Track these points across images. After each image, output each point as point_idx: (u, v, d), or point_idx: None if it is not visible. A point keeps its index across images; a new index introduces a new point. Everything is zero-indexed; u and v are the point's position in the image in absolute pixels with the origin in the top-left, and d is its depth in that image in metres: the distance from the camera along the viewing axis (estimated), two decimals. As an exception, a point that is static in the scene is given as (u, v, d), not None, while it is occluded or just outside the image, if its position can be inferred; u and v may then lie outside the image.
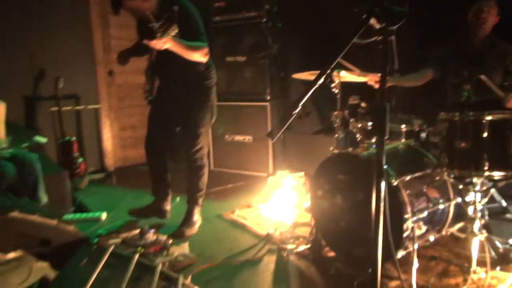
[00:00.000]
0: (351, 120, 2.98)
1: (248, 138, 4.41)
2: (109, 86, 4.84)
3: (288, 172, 3.73)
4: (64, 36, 4.36)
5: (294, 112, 1.11)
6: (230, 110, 4.45)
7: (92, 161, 4.70)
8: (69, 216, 3.08)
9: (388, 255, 2.05)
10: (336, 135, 2.84)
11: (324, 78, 1.06)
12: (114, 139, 4.94)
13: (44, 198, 2.88)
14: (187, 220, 2.91)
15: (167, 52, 2.48)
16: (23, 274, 1.84)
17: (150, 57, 2.81)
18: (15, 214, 2.07)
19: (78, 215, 3.16)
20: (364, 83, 2.97)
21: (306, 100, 3.74)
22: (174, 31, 2.32)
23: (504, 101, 2.41)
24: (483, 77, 2.31)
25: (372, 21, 1.04)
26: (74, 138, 4.12)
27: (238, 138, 4.46)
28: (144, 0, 2.55)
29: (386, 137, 1.06)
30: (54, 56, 4.28)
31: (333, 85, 2.84)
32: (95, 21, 4.64)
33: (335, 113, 2.82)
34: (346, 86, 3.01)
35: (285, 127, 1.12)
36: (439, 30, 3.39)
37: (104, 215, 3.19)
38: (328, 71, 1.06)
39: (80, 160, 4.10)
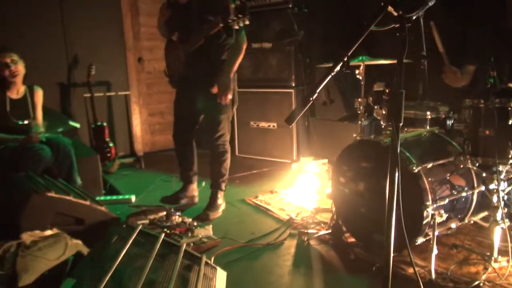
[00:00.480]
0: (376, 107, 2.96)
1: (273, 125, 4.45)
2: (139, 73, 4.98)
3: (312, 159, 3.75)
4: (96, 24, 4.52)
5: (311, 98, 1.14)
6: (255, 97, 4.49)
7: (122, 145, 4.89)
8: (100, 198, 3.24)
9: (406, 242, 2.08)
10: (360, 122, 2.84)
11: (341, 66, 1.09)
12: (143, 125, 5.11)
13: (78, 180, 3.05)
14: (211, 204, 3.00)
15: (202, 47, 2.74)
16: (59, 249, 1.98)
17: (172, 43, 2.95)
18: (51, 194, 2.22)
19: (109, 197, 3.32)
20: (390, 69, 2.93)
21: (331, 86, 3.75)
22: (244, 22, 2.49)
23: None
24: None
25: (390, 8, 1.06)
26: (105, 123, 4.29)
27: (263, 124, 4.51)
28: None
29: (400, 123, 1.08)
30: (86, 43, 4.46)
31: (357, 71, 2.83)
32: (125, 9, 4.76)
33: (359, 100, 2.81)
34: (371, 73, 2.99)
35: (302, 112, 1.16)
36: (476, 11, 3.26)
37: (133, 198, 3.33)
38: (345, 59, 1.09)
39: (111, 144, 4.27)
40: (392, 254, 1.19)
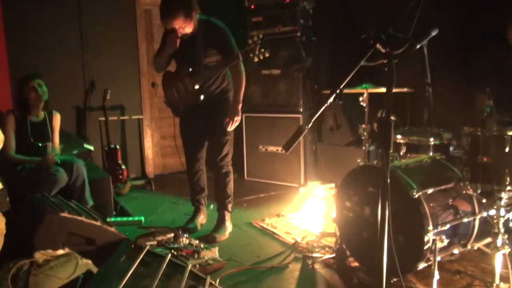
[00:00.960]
0: (380, 133, 3.03)
1: (281, 149, 4.52)
2: (152, 97, 5.16)
3: (319, 183, 3.80)
4: (113, 51, 4.75)
5: (307, 127, 1.23)
6: (264, 122, 4.60)
7: (134, 168, 5.01)
8: (111, 219, 3.33)
9: (409, 267, 2.10)
10: (364, 148, 2.90)
11: (334, 98, 1.17)
12: (155, 148, 5.24)
13: (90, 201, 3.15)
14: (219, 226, 3.06)
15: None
16: (70, 268, 2.05)
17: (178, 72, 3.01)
18: (65, 214, 2.32)
19: (119, 219, 3.41)
20: (394, 96, 3.01)
21: (338, 112, 3.82)
22: (265, 55, 2.70)
23: None
24: None
25: (378, 46, 1.15)
26: (118, 146, 4.43)
27: (271, 149, 4.59)
28: (186, 19, 2.76)
29: (390, 151, 1.15)
30: (103, 69, 4.67)
31: (361, 98, 2.91)
32: (141, 37, 4.98)
33: (363, 126, 2.88)
34: (376, 99, 3.07)
35: (298, 140, 1.24)
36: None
37: (143, 219, 3.42)
38: (337, 91, 1.18)
39: (123, 167, 4.40)
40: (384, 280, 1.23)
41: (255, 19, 4.60)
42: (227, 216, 3.11)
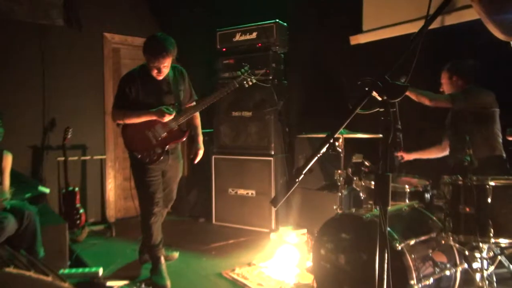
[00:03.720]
0: (355, 178, 2.99)
1: (251, 192, 4.39)
2: (117, 137, 4.93)
3: (291, 228, 3.67)
4: (77, 89, 4.54)
5: (298, 180, 1.12)
6: (234, 164, 4.47)
7: (93, 211, 4.67)
8: (65, 271, 3.00)
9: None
10: (339, 194, 2.82)
11: (327, 148, 1.08)
12: (117, 190, 4.94)
13: (41, 252, 2.83)
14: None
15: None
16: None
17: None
18: (10, 269, 2.02)
19: (74, 270, 3.07)
20: (368, 142, 3.01)
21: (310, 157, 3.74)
22: (253, 81, 3.05)
23: None
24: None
25: (374, 93, 1.08)
26: (77, 189, 4.12)
27: (242, 192, 4.44)
28: (170, 62, 2.80)
29: (388, 207, 1.06)
30: (66, 108, 4.43)
31: (336, 144, 2.88)
32: (107, 75, 4.82)
33: (339, 171, 2.83)
34: (350, 144, 3.05)
35: (288, 194, 1.12)
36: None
37: (101, 271, 3.10)
38: (331, 141, 1.09)
39: (82, 210, 4.07)
40: None
41: (227, 61, 4.59)
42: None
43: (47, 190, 3.67)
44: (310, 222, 3.68)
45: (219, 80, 4.59)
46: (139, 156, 2.90)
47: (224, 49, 4.62)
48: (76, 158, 4.46)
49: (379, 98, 1.06)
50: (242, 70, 3.05)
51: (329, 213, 2.56)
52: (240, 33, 4.51)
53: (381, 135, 3.18)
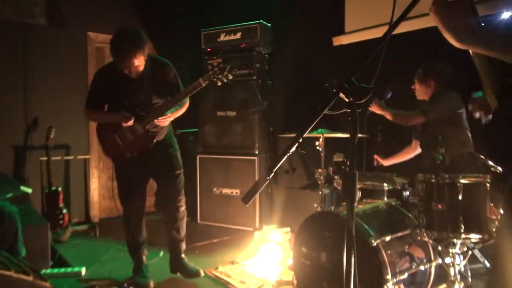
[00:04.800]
0: (336, 177, 3.04)
1: (235, 192, 4.42)
2: (100, 136, 4.91)
3: (274, 227, 3.71)
4: (60, 87, 4.50)
5: (268, 178, 1.16)
6: (219, 163, 4.50)
7: (77, 211, 4.65)
8: (46, 271, 3.00)
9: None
10: (320, 192, 2.88)
11: (296, 147, 1.12)
12: (101, 190, 4.93)
13: (22, 252, 2.81)
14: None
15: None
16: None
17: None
18: (-11, 269, 2.02)
19: (56, 270, 3.07)
20: (348, 141, 3.06)
21: (293, 155, 3.83)
22: (228, 77, 2.72)
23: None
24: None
25: (341, 95, 1.13)
26: (60, 188, 4.10)
27: (226, 191, 4.47)
28: (145, 54, 2.60)
29: (355, 204, 1.11)
30: (49, 107, 4.40)
31: (317, 143, 2.93)
32: (91, 74, 4.78)
33: (319, 170, 2.88)
34: (331, 144, 3.11)
35: (258, 192, 1.16)
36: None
37: (83, 270, 3.10)
38: (300, 140, 1.13)
39: (65, 211, 4.05)
40: None
41: (211, 62, 4.60)
42: None
43: (29, 190, 3.65)
44: (293, 220, 3.73)
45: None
46: (111, 158, 2.84)
47: (208, 49, 4.64)
48: (59, 158, 4.44)
49: (346, 100, 1.11)
50: (214, 64, 2.75)
51: (312, 212, 2.60)
52: (224, 34, 4.53)
53: (361, 135, 3.26)
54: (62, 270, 3.09)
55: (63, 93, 4.52)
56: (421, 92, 3.06)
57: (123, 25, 4.97)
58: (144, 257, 2.98)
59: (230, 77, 2.76)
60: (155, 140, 2.73)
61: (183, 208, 2.94)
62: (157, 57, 2.83)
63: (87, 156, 4.73)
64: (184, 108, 2.85)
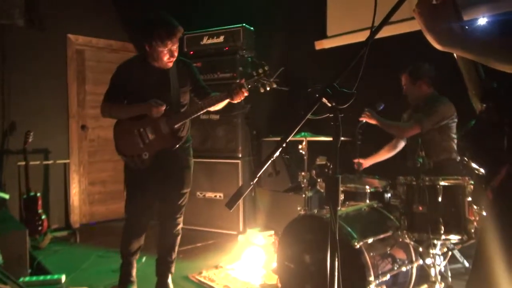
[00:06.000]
0: (319, 180, 3.07)
1: (219, 195, 4.40)
2: (81, 140, 4.82)
3: (258, 230, 3.71)
4: (39, 91, 4.41)
5: (252, 182, 1.16)
6: (202, 167, 4.46)
7: (56, 217, 4.55)
8: (25, 279, 2.91)
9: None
10: (304, 195, 2.89)
11: (280, 152, 1.13)
12: (82, 195, 4.83)
13: (-1, 259, 2.74)
14: None
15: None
16: None
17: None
18: (-35, 278, 1.96)
19: (34, 278, 2.99)
20: (331, 145, 3.09)
21: (277, 158, 3.81)
22: (272, 86, 2.48)
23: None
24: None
25: (324, 100, 1.14)
26: (39, 194, 4.00)
27: (210, 195, 4.45)
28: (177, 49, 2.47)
29: (338, 208, 1.12)
30: (27, 110, 4.30)
31: (300, 146, 2.95)
32: (71, 78, 4.72)
33: (302, 173, 2.89)
34: (314, 147, 3.13)
35: (242, 197, 1.16)
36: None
37: (63, 278, 3.03)
38: (284, 145, 1.13)
39: (44, 216, 3.96)
40: None
41: (194, 65, 4.58)
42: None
43: (6, 196, 3.56)
44: (277, 223, 3.74)
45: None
46: (124, 159, 2.61)
47: (191, 52, 4.61)
48: (38, 162, 4.33)
49: (329, 104, 1.12)
50: (260, 70, 2.45)
51: (296, 215, 2.62)
52: (207, 37, 4.52)
53: (343, 138, 3.31)
54: (41, 278, 3.01)
55: (42, 96, 4.43)
56: (412, 94, 3.03)
57: (104, 28, 4.96)
58: (134, 262, 2.90)
59: (274, 86, 2.53)
60: (178, 145, 2.56)
61: (179, 226, 2.81)
62: (180, 57, 2.65)
63: (67, 161, 4.63)
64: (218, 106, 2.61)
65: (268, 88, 2.48)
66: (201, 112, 2.52)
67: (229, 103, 4.31)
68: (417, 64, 3.08)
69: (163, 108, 2.42)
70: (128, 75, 2.54)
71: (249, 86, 2.43)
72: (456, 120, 2.91)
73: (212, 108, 2.58)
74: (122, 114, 2.57)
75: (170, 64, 2.50)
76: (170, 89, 2.52)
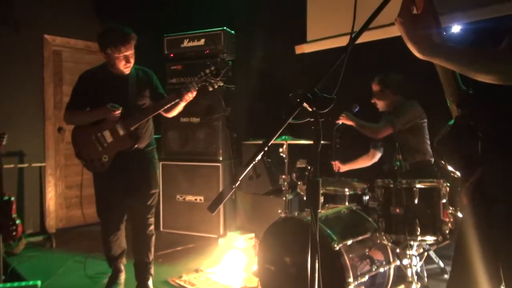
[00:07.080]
0: (299, 183, 3.10)
1: (199, 198, 4.38)
2: (58, 143, 4.72)
3: (239, 233, 3.71)
4: (13, 92, 4.29)
5: (233, 186, 1.17)
6: (182, 170, 4.44)
7: (31, 222, 4.43)
8: (-1, 286, 2.83)
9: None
10: (284, 198, 2.92)
11: (262, 155, 1.14)
12: (58, 199, 4.73)
13: (-29, 266, 2.65)
14: None
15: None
16: None
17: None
18: None
19: (9, 285, 2.90)
20: (311, 148, 3.13)
21: (257, 161, 3.84)
22: (219, 84, 2.64)
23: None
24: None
25: (305, 104, 1.16)
26: (13, 198, 3.89)
27: (190, 198, 4.42)
28: (133, 55, 2.58)
29: (319, 210, 1.14)
30: (0, 111, 4.17)
31: (280, 149, 2.97)
32: (48, 78, 4.61)
33: (283, 176, 2.92)
34: (294, 150, 3.16)
35: (224, 201, 1.17)
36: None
37: (39, 284, 2.95)
38: (265, 149, 1.15)
39: (18, 221, 3.85)
40: None
41: (174, 67, 4.57)
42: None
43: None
44: (258, 226, 3.75)
45: (167, 86, 4.55)
46: (83, 163, 2.69)
47: (171, 55, 4.59)
48: (12, 165, 4.21)
49: (310, 109, 1.14)
50: (207, 70, 2.63)
51: (276, 217, 2.64)
52: (188, 39, 4.51)
53: (324, 142, 3.37)
54: (16, 284, 2.92)
55: (17, 97, 4.32)
56: (382, 104, 3.16)
57: (82, 29, 4.87)
58: (122, 266, 2.90)
59: (221, 84, 2.71)
60: (136, 145, 2.62)
61: (151, 227, 2.82)
62: (139, 66, 2.80)
63: (42, 164, 4.52)
64: (176, 110, 2.73)
65: (216, 87, 2.66)
66: (155, 113, 2.63)
67: (208, 106, 4.36)
68: (384, 73, 3.18)
69: (119, 111, 2.51)
70: (88, 83, 2.66)
71: (198, 86, 2.57)
72: (425, 120, 3.03)
73: (173, 113, 2.74)
74: (82, 120, 2.67)
75: (127, 70, 2.63)
76: (128, 93, 2.63)
